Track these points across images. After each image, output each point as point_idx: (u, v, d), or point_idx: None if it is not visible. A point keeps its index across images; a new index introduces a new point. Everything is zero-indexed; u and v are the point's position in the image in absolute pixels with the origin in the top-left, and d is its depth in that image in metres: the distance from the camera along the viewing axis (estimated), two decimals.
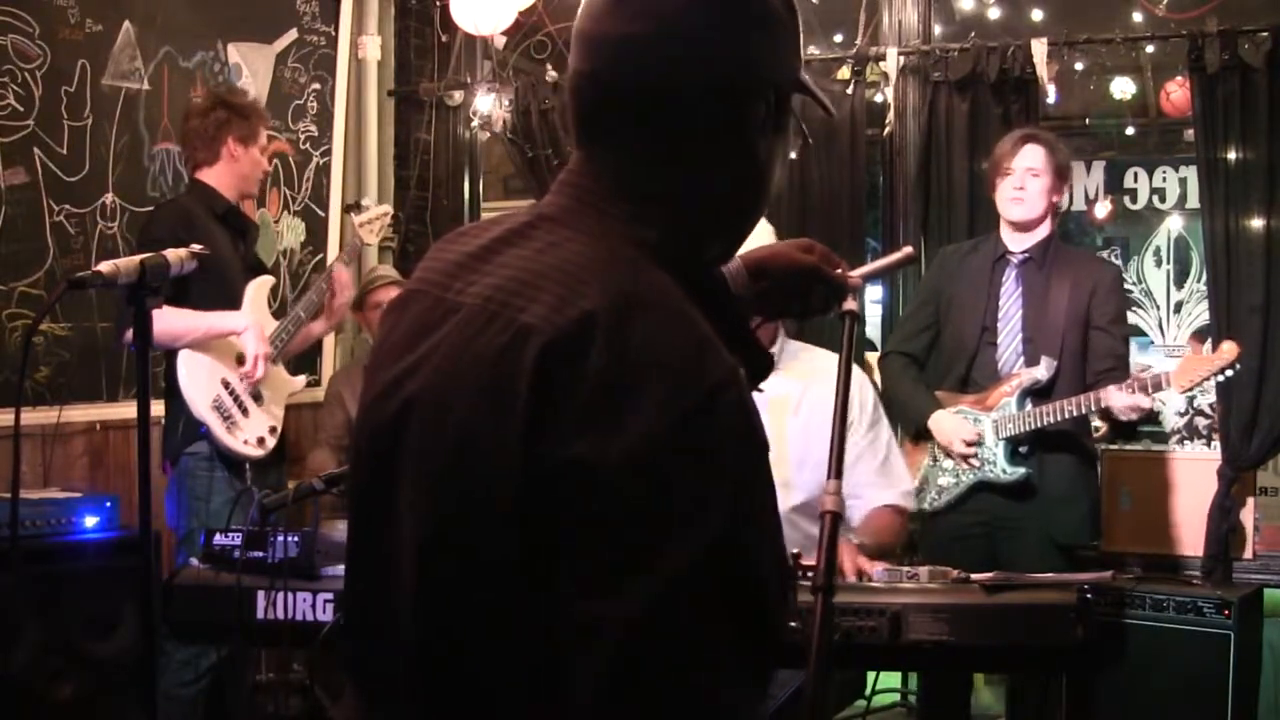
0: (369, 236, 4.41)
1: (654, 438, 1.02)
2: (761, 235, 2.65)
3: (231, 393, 3.66)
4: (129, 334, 3.46)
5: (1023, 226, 3.66)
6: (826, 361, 2.79)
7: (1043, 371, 3.52)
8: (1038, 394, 3.54)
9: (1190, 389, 3.41)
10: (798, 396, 2.75)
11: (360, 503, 1.23)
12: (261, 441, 3.71)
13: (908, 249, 1.65)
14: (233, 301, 3.70)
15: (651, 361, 1.04)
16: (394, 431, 1.15)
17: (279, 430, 3.80)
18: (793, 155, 4.73)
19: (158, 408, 3.55)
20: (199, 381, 3.62)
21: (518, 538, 1.05)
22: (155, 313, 3.50)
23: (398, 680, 1.16)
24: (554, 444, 1.03)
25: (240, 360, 3.68)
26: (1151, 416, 3.65)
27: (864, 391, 2.85)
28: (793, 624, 2.19)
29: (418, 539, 1.12)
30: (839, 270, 1.48)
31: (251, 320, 3.68)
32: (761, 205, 1.24)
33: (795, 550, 2.21)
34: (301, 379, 4.07)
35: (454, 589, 1.10)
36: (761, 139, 1.20)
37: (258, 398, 3.73)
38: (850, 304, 1.45)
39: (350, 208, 4.67)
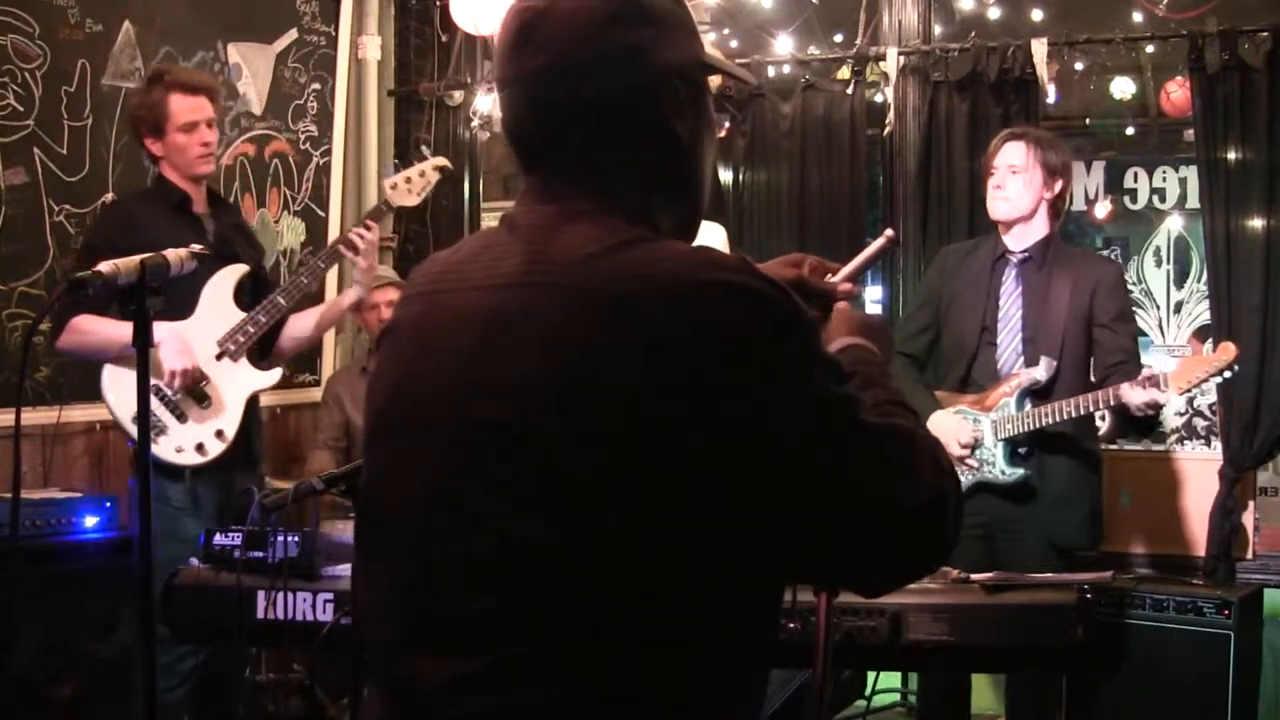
0: (405, 198, 3.82)
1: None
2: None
3: (163, 399, 3.43)
4: (62, 338, 3.41)
5: (1009, 224, 3.63)
6: None
7: (1042, 372, 3.50)
8: (1037, 394, 3.52)
9: (1188, 390, 3.38)
10: None
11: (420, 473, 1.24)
12: (201, 447, 3.47)
13: (888, 232, 1.63)
14: (189, 297, 3.49)
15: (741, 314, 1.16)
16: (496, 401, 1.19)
17: (228, 433, 3.51)
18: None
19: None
20: (123, 392, 3.39)
21: (637, 480, 1.14)
22: (77, 324, 3.43)
23: (465, 642, 1.18)
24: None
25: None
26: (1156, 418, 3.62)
27: None
28: (791, 625, 2.19)
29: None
30: (830, 278, 1.48)
31: (168, 332, 3.37)
32: (698, 182, 1.34)
33: None
34: (275, 373, 3.69)
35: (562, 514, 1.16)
36: (679, 123, 1.29)
37: (201, 399, 3.49)
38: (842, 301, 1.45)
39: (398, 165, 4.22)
